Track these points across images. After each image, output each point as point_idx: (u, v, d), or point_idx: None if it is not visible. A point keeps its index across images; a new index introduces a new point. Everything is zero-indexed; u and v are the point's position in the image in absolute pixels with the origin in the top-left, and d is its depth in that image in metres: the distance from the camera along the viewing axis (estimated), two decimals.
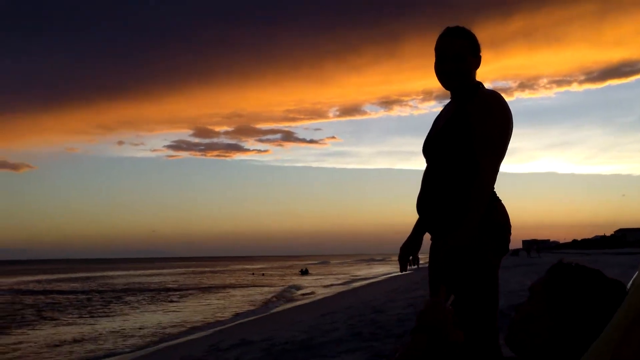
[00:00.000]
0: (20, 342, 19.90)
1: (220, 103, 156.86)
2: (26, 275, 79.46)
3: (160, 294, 41.69)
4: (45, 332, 22.42)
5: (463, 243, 3.16)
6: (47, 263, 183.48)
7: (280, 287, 47.92)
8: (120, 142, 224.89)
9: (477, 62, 3.54)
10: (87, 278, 67.71)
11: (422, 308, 2.06)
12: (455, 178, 3.36)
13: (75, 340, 20.09)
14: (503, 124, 3.32)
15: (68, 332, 22.42)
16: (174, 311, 30.04)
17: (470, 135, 3.33)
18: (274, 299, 36.76)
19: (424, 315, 2.01)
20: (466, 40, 3.50)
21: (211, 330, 21.80)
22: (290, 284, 52.56)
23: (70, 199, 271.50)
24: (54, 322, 25.57)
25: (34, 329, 23.41)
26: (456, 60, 3.48)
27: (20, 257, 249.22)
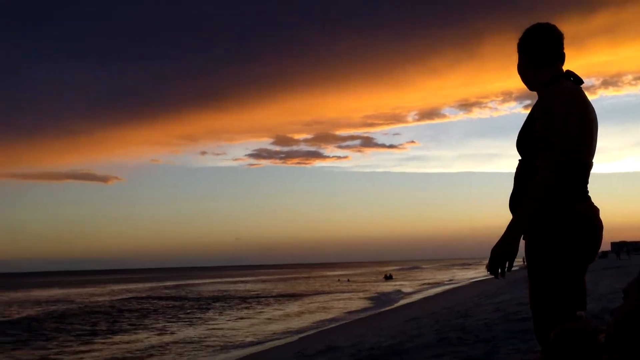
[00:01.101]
0: (142, 341, 20.72)
1: (300, 111, 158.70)
2: (121, 284, 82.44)
3: (245, 301, 42.37)
4: (149, 335, 23.24)
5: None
6: (135, 272, 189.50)
7: (366, 293, 47.85)
8: (203, 152, 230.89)
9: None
10: (177, 286, 69.56)
11: (563, 332, 1.99)
12: (531, 175, 3.31)
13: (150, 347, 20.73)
14: (562, 120, 3.20)
15: (157, 336, 23.16)
16: (259, 318, 30.48)
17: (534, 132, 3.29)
18: (360, 304, 36.75)
19: (564, 341, 1.94)
20: None
21: (297, 337, 22.00)
22: (375, 290, 52.41)
23: (156, 208, 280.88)
24: (156, 325, 26.44)
25: (149, 331, 24.34)
26: None
27: (110, 267, 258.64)
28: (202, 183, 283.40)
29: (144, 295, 49.78)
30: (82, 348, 21.17)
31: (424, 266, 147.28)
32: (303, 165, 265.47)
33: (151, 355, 19.22)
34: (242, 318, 30.53)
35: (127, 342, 22.27)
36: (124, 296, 50.53)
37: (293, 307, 36.87)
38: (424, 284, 60.75)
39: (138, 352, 19.93)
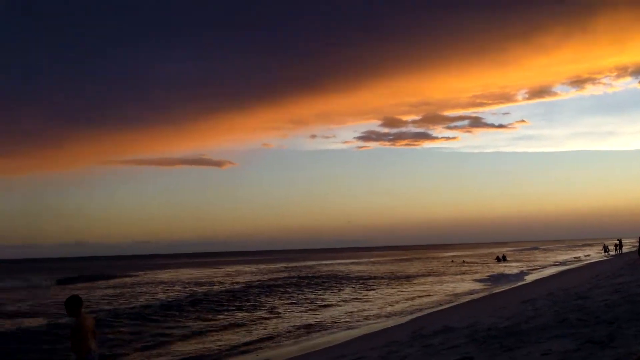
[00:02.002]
0: (278, 317, 21.71)
1: (408, 92, 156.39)
2: (242, 265, 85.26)
3: (360, 282, 42.75)
4: (278, 312, 24.23)
5: None
6: (249, 255, 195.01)
7: (479, 275, 47.15)
8: (313, 136, 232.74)
9: None
10: (293, 267, 71.04)
11: None
12: None
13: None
14: None
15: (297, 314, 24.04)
16: (373, 298, 30.77)
17: None
18: (474, 286, 36.31)
19: None
20: None
21: (412, 317, 22.13)
22: (489, 271, 51.51)
23: (267, 192, 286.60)
24: (280, 303, 27.42)
25: (277, 308, 25.39)
26: None
27: (224, 249, 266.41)
28: (312, 166, 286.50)
29: (265, 277, 51.41)
30: (237, 320, 22.42)
31: (543, 247, 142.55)
32: (412, 146, 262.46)
33: (289, 331, 20.12)
34: (357, 299, 30.95)
35: (266, 319, 23.27)
36: (252, 278, 52.41)
37: (407, 288, 36.93)
38: (538, 265, 59.01)
39: (271, 328, 20.83)
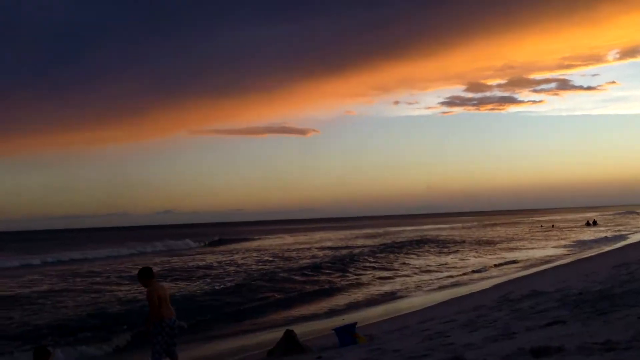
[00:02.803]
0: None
1: (492, 56, 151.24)
2: (332, 232, 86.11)
3: (446, 246, 42.43)
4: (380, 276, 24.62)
5: None
6: (333, 221, 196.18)
7: (568, 240, 45.88)
8: (396, 102, 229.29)
9: None
10: (379, 234, 71.10)
11: None
12: None
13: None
14: None
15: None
16: (460, 263, 30.53)
17: None
18: (562, 251, 35.41)
19: None
20: None
21: (499, 281, 21.87)
22: (578, 236, 50.01)
23: (350, 159, 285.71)
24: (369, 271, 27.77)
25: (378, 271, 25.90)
26: None
27: (309, 216, 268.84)
28: (395, 133, 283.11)
29: (359, 243, 52.04)
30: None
31: (638, 210, 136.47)
32: (497, 111, 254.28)
33: (379, 295, 20.42)
34: (444, 264, 30.80)
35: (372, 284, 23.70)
36: (347, 243, 53.14)
37: (492, 252, 36.40)
38: (633, 229, 56.74)
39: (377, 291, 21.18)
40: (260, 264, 33.32)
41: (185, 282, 25.11)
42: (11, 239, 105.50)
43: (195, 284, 24.65)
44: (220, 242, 65.82)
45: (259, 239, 70.93)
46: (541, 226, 74.37)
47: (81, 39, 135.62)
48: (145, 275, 9.24)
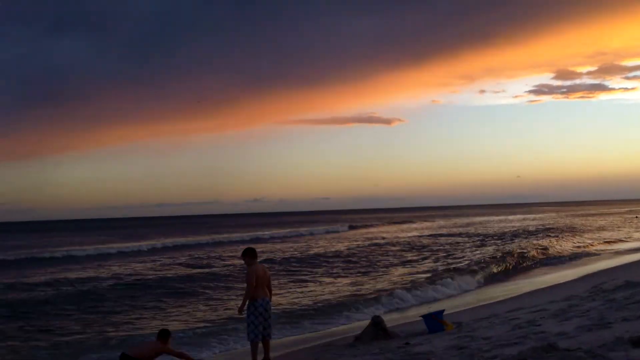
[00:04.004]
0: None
1: (582, 42, 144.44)
2: (422, 221, 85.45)
3: (533, 234, 41.36)
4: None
5: None
6: (417, 210, 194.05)
7: None
8: (482, 91, 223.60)
9: None
10: (468, 224, 69.85)
11: None
12: None
13: None
14: None
15: None
16: (551, 251, 29.58)
17: None
18: None
19: None
20: None
21: (590, 271, 21.10)
22: None
23: (436, 148, 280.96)
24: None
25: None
26: None
27: (395, 206, 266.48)
28: (481, 122, 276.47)
29: (443, 231, 51.84)
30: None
31: None
32: (587, 99, 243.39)
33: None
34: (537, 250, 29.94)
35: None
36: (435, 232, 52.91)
37: (583, 241, 35.08)
38: None
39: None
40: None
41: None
42: (120, 225, 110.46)
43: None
44: (354, 227, 70.94)
45: (378, 225, 76.02)
46: (637, 217, 70.77)
47: (172, 32, 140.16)
48: (250, 255, 9.51)
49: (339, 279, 22.58)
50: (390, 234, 53.26)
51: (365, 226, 72.76)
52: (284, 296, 18.54)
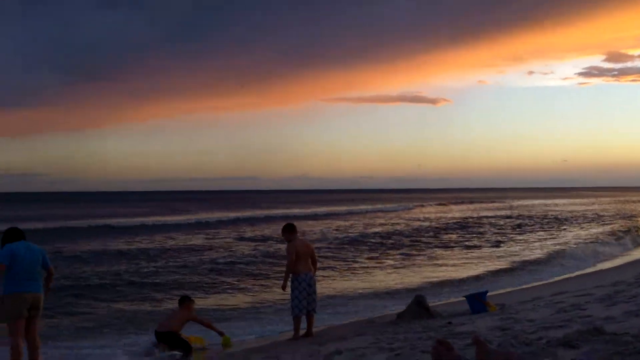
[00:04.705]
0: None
1: (634, 24, 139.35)
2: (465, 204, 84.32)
3: (584, 221, 40.79)
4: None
5: None
6: (463, 192, 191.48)
7: None
8: (530, 72, 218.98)
9: None
10: (511, 207, 68.74)
11: None
12: None
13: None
14: None
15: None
16: (597, 237, 28.98)
17: None
18: None
19: None
20: None
21: (633, 259, 20.68)
22: None
23: (482, 129, 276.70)
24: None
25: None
26: None
27: (439, 186, 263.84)
28: (529, 103, 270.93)
29: (482, 214, 51.39)
30: None
31: None
32: (639, 82, 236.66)
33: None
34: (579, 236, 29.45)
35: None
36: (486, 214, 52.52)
37: (630, 226, 34.23)
38: None
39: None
40: None
41: None
42: (172, 198, 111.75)
43: None
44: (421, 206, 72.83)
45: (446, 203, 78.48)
46: None
47: (219, 10, 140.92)
48: (290, 230, 9.63)
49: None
50: (473, 212, 55.89)
51: (431, 205, 74.56)
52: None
